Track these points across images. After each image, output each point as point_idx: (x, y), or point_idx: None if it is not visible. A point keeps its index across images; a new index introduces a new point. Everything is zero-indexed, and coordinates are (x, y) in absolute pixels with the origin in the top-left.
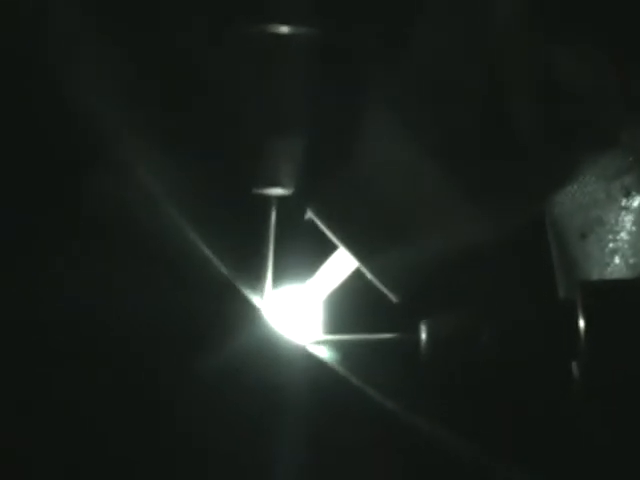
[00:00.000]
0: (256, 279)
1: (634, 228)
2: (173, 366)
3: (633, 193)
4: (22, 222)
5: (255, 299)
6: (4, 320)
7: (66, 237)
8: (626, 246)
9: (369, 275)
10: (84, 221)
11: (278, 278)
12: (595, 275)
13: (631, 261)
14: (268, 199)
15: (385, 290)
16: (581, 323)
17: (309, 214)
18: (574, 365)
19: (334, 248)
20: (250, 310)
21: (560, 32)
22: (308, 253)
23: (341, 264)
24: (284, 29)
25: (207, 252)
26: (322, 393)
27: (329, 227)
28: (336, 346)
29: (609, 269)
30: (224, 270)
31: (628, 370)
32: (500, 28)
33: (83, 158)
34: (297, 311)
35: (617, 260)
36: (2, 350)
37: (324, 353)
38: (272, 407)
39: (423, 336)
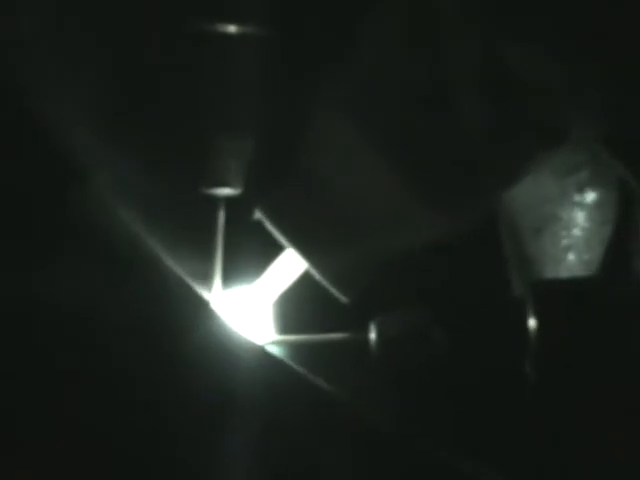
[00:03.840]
0: (205, 279)
1: (587, 224)
2: (131, 364)
3: (586, 189)
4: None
5: (207, 299)
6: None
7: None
8: (580, 242)
9: (318, 276)
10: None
11: (227, 279)
12: (549, 271)
13: (585, 257)
14: (216, 199)
15: (334, 290)
16: (531, 322)
17: (257, 214)
18: (525, 364)
19: (283, 249)
20: (204, 309)
21: (510, 29)
22: (257, 254)
23: (290, 265)
24: (235, 29)
25: (158, 252)
26: (280, 391)
27: (278, 227)
28: (287, 346)
29: (563, 265)
30: (176, 270)
31: (578, 369)
32: (449, 24)
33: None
34: (247, 312)
35: (571, 256)
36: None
37: (276, 353)
38: (229, 405)
39: (373, 335)
